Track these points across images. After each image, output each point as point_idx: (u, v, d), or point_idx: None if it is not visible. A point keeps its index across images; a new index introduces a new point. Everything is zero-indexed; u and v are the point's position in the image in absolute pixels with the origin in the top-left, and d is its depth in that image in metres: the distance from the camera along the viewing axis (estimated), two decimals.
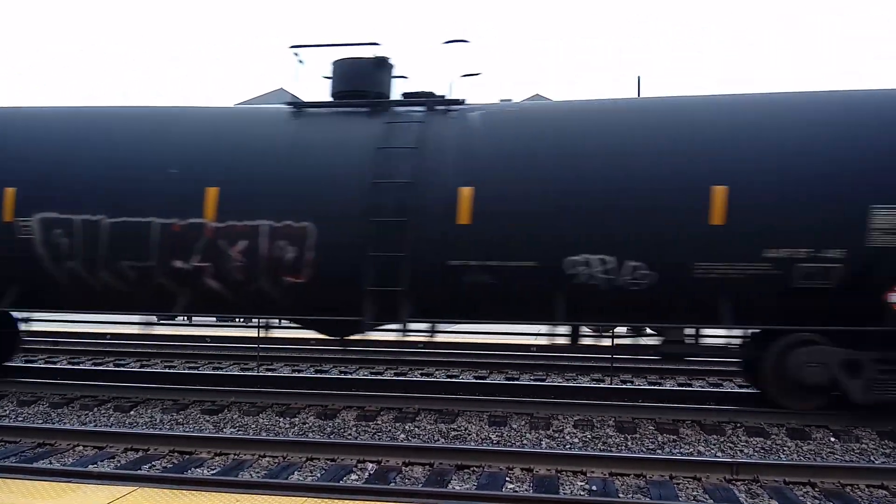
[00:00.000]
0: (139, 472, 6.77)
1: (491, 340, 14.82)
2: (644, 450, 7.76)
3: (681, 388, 10.74)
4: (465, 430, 8.39)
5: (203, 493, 5.37)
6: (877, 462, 7.44)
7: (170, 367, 12.61)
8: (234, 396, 9.69)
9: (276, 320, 13.49)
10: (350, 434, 8.29)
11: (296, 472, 6.87)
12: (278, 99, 44.43)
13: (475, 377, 11.91)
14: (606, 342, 11.33)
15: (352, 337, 10.13)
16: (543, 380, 11.70)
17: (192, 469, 6.98)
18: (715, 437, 8.17)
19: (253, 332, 15.09)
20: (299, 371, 12.34)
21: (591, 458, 6.99)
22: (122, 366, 12.74)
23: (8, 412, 9.19)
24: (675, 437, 8.17)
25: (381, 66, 10.11)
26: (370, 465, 7.05)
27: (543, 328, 11.41)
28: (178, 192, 9.33)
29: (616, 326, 9.75)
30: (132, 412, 9.22)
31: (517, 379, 11.79)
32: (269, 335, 15.03)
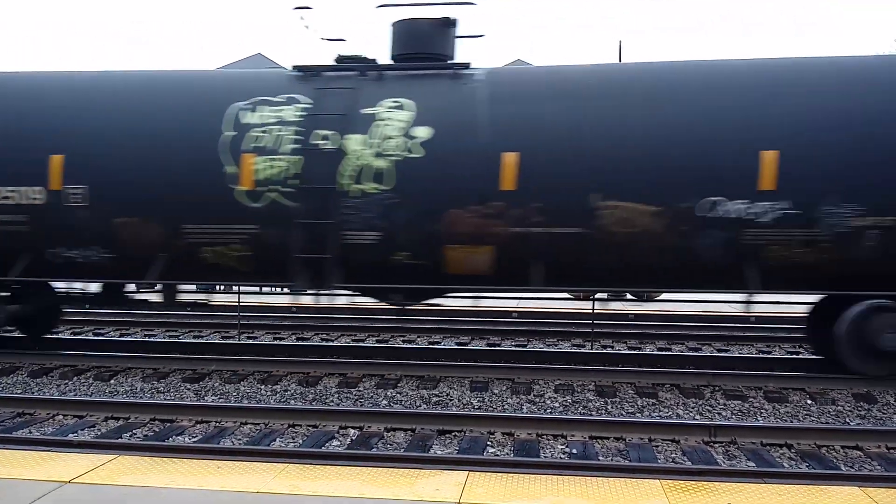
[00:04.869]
0: (120, 440, 6.76)
1: (472, 307, 14.85)
2: (624, 413, 7.84)
3: (660, 353, 10.84)
4: (447, 395, 8.43)
5: (184, 460, 5.36)
6: (851, 423, 7.57)
7: (150, 336, 12.55)
8: (214, 364, 9.65)
9: None
10: (332, 401, 8.31)
11: (278, 439, 6.88)
12: (256, 64, 43.51)
13: (457, 343, 11.96)
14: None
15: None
16: (524, 345, 11.77)
17: (174, 437, 6.97)
18: (693, 400, 8.27)
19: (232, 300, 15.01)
20: (280, 339, 12.31)
21: (572, 422, 7.06)
22: (102, 335, 12.65)
23: None
24: (654, 400, 8.26)
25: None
26: (352, 432, 7.07)
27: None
28: None
29: None
30: (112, 381, 9.17)
31: (499, 345, 11.85)
32: (249, 303, 15.00)
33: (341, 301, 13.47)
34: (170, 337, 12.46)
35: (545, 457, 6.41)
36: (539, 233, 8.62)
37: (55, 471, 4.98)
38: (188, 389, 8.79)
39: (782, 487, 4.80)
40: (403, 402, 8.22)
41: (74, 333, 12.68)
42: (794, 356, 10.67)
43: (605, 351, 11.11)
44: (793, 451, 6.58)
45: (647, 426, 6.96)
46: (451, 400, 8.27)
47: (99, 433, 7.12)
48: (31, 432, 7.09)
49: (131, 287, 10.63)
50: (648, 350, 11.42)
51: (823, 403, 8.17)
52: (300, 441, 6.84)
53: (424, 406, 8.10)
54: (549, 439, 6.85)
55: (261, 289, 17.29)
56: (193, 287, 14.15)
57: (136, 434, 7.09)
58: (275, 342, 11.78)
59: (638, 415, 7.81)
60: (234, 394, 8.59)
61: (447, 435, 6.97)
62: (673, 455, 6.49)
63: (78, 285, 10.94)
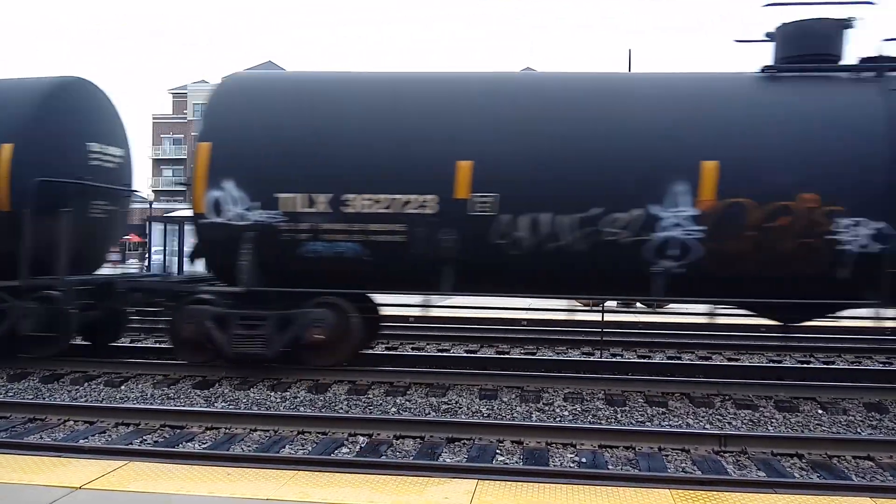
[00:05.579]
0: (130, 446, 6.77)
1: (482, 314, 14.85)
2: (633, 422, 7.82)
3: (670, 362, 10.81)
4: (456, 403, 8.43)
5: (195, 466, 5.38)
6: (863, 434, 7.51)
7: (160, 342, 12.59)
8: (224, 371, 9.68)
9: None
10: (341, 408, 8.31)
11: (287, 446, 6.89)
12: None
13: (466, 351, 11.95)
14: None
15: None
16: (534, 353, 11.75)
17: (184, 443, 6.99)
18: (704, 409, 8.24)
19: None
20: None
21: (581, 431, 7.04)
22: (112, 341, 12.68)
23: None
24: (664, 409, 8.23)
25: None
26: (361, 439, 7.08)
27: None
28: None
29: None
30: (123, 387, 9.21)
31: (508, 353, 11.84)
32: None
33: None
34: None
35: (555, 465, 6.40)
36: None
37: (66, 476, 5.01)
38: (198, 396, 8.82)
39: (793, 498, 4.78)
40: (412, 410, 8.22)
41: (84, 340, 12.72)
42: (805, 365, 10.62)
43: (614, 359, 11.08)
44: (804, 461, 6.54)
45: (656, 435, 6.94)
46: (460, 408, 8.27)
47: (109, 439, 7.16)
48: (42, 437, 7.14)
49: None
50: (658, 358, 11.39)
51: (835, 413, 8.12)
52: (309, 448, 6.85)
53: (433, 414, 8.09)
54: (558, 448, 6.83)
55: None
56: None
57: (146, 440, 7.11)
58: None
59: (648, 424, 7.78)
60: (244, 400, 8.62)
61: (456, 443, 6.97)
62: (683, 465, 6.46)
63: None
